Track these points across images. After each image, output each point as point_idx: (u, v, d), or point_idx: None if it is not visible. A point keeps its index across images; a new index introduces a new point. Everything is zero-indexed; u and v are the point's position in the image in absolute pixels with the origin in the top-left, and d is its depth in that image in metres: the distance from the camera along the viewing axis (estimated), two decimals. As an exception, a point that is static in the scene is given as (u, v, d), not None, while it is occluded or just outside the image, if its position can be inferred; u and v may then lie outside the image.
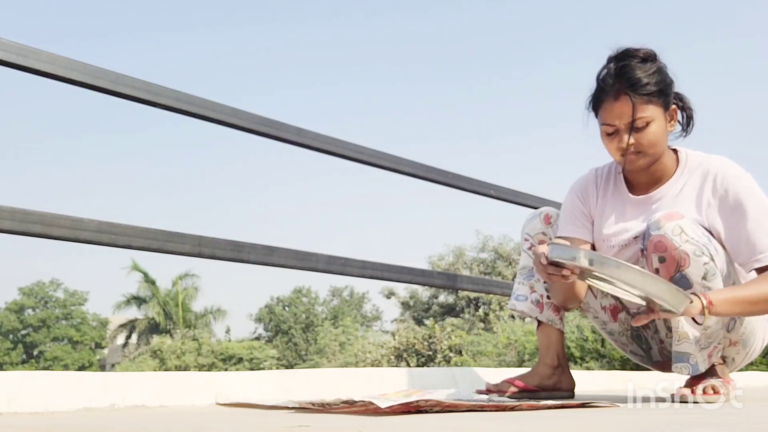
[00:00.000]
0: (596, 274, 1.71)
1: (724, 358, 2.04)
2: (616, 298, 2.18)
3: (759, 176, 1.96)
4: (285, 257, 2.91)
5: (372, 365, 15.15)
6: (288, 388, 2.21)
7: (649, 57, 1.93)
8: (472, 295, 19.83)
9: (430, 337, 15.28)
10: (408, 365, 14.82)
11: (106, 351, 39.69)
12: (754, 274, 1.90)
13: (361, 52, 51.97)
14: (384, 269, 3.32)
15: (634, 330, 2.23)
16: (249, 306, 60.66)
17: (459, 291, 19.24)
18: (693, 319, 1.85)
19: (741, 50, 43.73)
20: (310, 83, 52.44)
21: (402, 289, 23.43)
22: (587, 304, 2.20)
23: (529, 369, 2.22)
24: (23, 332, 39.32)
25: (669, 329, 2.06)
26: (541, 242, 2.17)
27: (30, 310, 39.67)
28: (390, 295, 23.57)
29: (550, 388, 2.15)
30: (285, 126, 2.97)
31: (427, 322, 20.92)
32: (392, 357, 15.40)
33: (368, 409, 1.58)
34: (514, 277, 3.15)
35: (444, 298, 22.12)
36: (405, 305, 23.28)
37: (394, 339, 16.42)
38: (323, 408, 1.67)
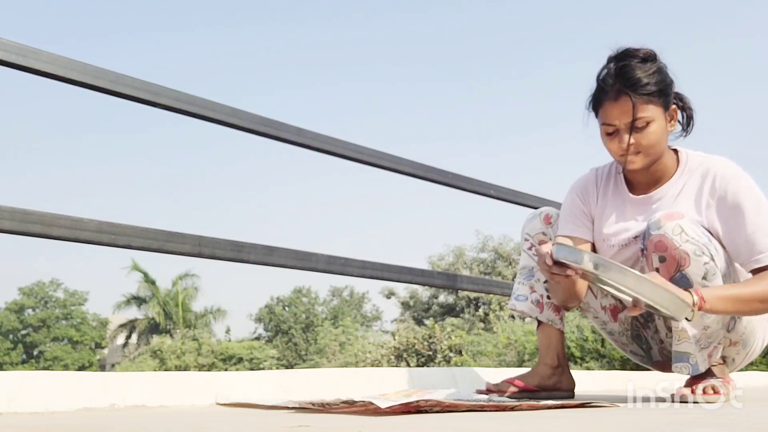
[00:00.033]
0: (600, 277, 1.73)
1: (724, 358, 2.04)
2: (616, 298, 2.18)
3: (759, 176, 1.96)
4: (285, 257, 2.91)
5: (372, 365, 15.16)
6: (288, 388, 2.21)
7: (649, 57, 1.93)
8: (472, 295, 19.83)
9: (430, 337, 15.28)
10: (408, 365, 14.82)
11: (106, 351, 39.69)
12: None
13: (361, 52, 52.05)
14: (384, 269, 3.32)
15: (634, 330, 2.23)
16: (249, 306, 60.72)
17: (459, 291, 19.24)
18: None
19: (741, 50, 43.79)
20: (310, 83, 52.51)
21: (402, 289, 23.46)
22: (587, 304, 2.20)
23: (529, 369, 2.22)
24: (23, 332, 39.32)
25: (669, 329, 2.06)
26: (541, 242, 2.17)
27: (30, 310, 39.67)
28: (390, 295, 23.57)
29: (550, 388, 2.15)
30: (285, 126, 2.97)
31: (427, 322, 20.92)
32: (392, 357, 15.40)
33: (368, 409, 1.58)
34: (514, 277, 3.15)
35: (444, 298, 22.12)
36: (405, 305, 23.29)
37: (394, 339, 16.42)
38: (323, 408, 1.67)
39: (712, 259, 1.83)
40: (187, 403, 1.95)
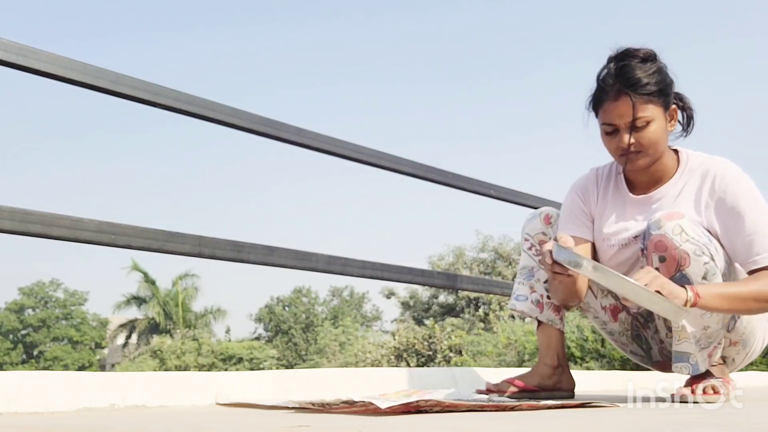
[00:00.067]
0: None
1: (724, 358, 2.04)
2: (616, 298, 2.18)
3: (759, 176, 1.96)
4: (285, 257, 2.91)
5: (372, 365, 15.15)
6: (288, 388, 2.21)
7: (649, 57, 1.93)
8: (472, 295, 19.83)
9: (430, 337, 15.28)
10: (408, 365, 14.82)
11: (106, 351, 39.69)
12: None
13: (361, 52, 52.05)
14: (384, 269, 3.32)
15: (634, 330, 2.23)
16: (249, 306, 60.73)
17: (459, 291, 19.24)
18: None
19: (741, 50, 43.79)
20: (310, 83, 52.51)
21: (402, 289, 23.46)
22: (587, 303, 2.20)
23: (529, 369, 2.22)
24: (23, 332, 39.32)
25: (669, 329, 2.06)
26: (541, 242, 2.17)
27: (30, 310, 39.67)
28: (390, 295, 23.57)
29: (550, 388, 2.15)
30: (285, 126, 2.97)
31: (427, 322, 20.92)
32: (392, 357, 15.40)
33: (368, 409, 1.58)
34: (514, 277, 3.15)
35: (444, 298, 22.12)
36: (405, 305, 23.28)
37: (394, 339, 16.42)
38: (323, 408, 1.67)
39: (712, 259, 1.83)
40: (187, 403, 1.95)
